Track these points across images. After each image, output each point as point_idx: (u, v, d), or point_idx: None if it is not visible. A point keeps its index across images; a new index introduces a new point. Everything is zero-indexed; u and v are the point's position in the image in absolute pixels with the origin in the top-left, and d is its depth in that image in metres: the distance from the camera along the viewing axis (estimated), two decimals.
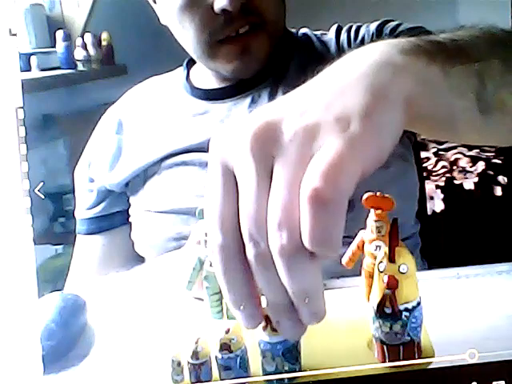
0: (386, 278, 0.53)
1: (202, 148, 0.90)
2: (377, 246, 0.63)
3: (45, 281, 0.74)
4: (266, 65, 0.90)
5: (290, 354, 0.56)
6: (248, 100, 0.92)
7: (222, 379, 0.56)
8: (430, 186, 1.14)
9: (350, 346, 0.60)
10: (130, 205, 0.98)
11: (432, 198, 1.11)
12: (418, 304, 0.55)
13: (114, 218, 1.01)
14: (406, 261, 0.55)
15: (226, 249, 0.45)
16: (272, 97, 0.90)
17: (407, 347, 0.55)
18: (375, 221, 0.63)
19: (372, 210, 0.63)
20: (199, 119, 0.93)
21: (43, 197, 0.72)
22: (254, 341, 0.56)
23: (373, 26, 0.93)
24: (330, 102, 0.45)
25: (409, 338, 0.55)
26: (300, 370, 0.56)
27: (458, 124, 0.54)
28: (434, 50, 0.52)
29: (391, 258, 0.54)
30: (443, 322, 0.63)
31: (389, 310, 0.53)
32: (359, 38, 0.93)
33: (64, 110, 1.26)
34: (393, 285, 0.53)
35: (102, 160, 0.99)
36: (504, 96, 0.55)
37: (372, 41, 0.56)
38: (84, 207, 1.01)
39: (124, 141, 0.98)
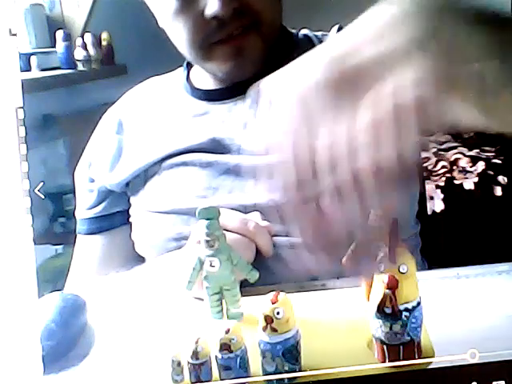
0: (386, 278, 0.53)
1: (203, 148, 0.90)
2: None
3: (45, 281, 0.74)
4: (266, 65, 0.90)
5: (290, 354, 0.56)
6: (248, 101, 0.91)
7: (222, 379, 0.56)
8: (430, 186, 1.14)
9: (349, 346, 0.60)
10: (130, 205, 0.98)
11: (432, 197, 1.11)
12: (418, 304, 0.55)
13: (114, 218, 1.00)
14: (406, 261, 0.55)
15: (301, 185, 0.44)
16: None
17: (407, 347, 0.55)
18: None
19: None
20: (199, 120, 0.93)
21: (43, 197, 0.72)
22: (254, 341, 0.56)
23: None
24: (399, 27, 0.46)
25: (409, 338, 0.55)
26: (300, 370, 0.56)
27: (489, 85, 0.54)
28: (467, 12, 0.53)
29: (391, 258, 0.54)
30: (443, 322, 0.63)
31: (389, 309, 0.54)
32: None
33: (64, 110, 1.26)
34: (393, 285, 0.53)
35: (102, 160, 0.99)
36: None
37: None
38: (84, 207, 1.01)
39: (124, 141, 0.98)
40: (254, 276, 0.68)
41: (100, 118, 1.03)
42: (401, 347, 0.56)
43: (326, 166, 0.42)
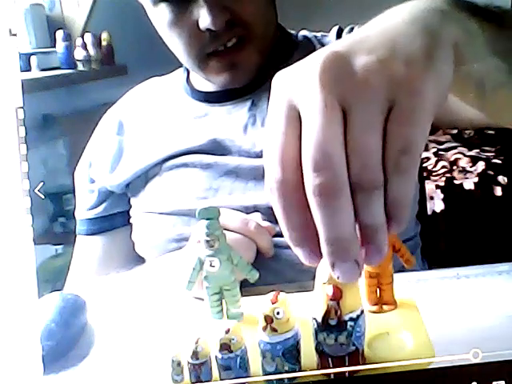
0: (330, 289, 0.52)
1: (203, 150, 0.90)
2: None
3: (44, 281, 0.74)
4: (266, 67, 0.90)
5: (290, 354, 0.56)
6: (248, 103, 0.92)
7: (221, 379, 0.56)
8: (430, 186, 1.14)
9: None
10: (130, 206, 0.98)
11: (432, 198, 1.11)
12: (362, 312, 0.54)
13: (114, 218, 1.01)
14: None
15: (285, 183, 0.44)
16: None
17: (352, 357, 0.54)
18: None
19: None
20: (200, 121, 0.94)
21: (43, 197, 0.72)
22: (254, 341, 0.56)
23: None
24: (394, 40, 0.45)
25: (354, 348, 0.54)
26: (300, 370, 0.56)
27: (488, 83, 0.55)
28: (472, 7, 0.54)
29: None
30: (444, 322, 0.63)
31: (334, 321, 0.52)
32: None
33: (64, 110, 1.26)
34: (337, 296, 0.52)
35: (102, 161, 0.99)
36: None
37: None
38: (85, 208, 1.01)
39: (125, 142, 0.98)
40: (254, 276, 0.68)
41: (100, 118, 1.04)
42: (346, 357, 0.54)
43: (311, 164, 0.42)
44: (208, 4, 0.82)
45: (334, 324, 0.52)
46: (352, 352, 0.54)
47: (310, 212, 0.43)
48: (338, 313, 0.52)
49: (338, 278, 0.44)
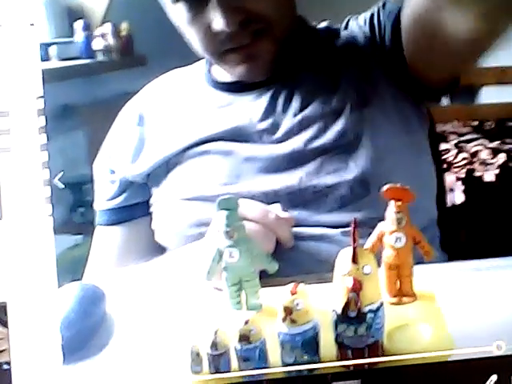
0: (349, 281, 0.52)
1: (224, 137, 0.91)
2: (397, 238, 0.63)
3: (64, 271, 0.75)
4: (286, 58, 0.90)
5: (309, 345, 0.56)
6: (270, 92, 0.92)
7: (241, 370, 0.56)
8: (450, 178, 1.13)
9: None
10: (150, 196, 0.98)
11: (452, 189, 1.10)
12: (381, 304, 0.55)
13: (134, 208, 1.01)
14: (369, 261, 0.54)
15: None
16: (294, 89, 0.90)
17: (372, 348, 0.55)
18: (396, 212, 0.63)
19: (392, 202, 0.63)
20: (223, 110, 0.94)
21: (63, 186, 0.72)
22: (273, 332, 0.56)
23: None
24: None
25: (373, 339, 0.55)
26: (319, 362, 0.56)
27: None
28: None
29: (354, 259, 0.53)
30: (464, 315, 0.63)
31: (354, 313, 0.53)
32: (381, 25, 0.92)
33: (83, 100, 1.26)
34: (357, 287, 0.52)
35: (123, 152, 0.99)
36: None
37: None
38: (105, 198, 1.01)
39: (146, 132, 0.98)
40: (273, 267, 0.68)
41: (119, 108, 1.04)
42: (365, 349, 0.55)
43: None
44: (220, 6, 0.82)
45: (353, 316, 0.53)
46: (371, 344, 0.55)
47: None
48: (358, 304, 0.52)
49: None
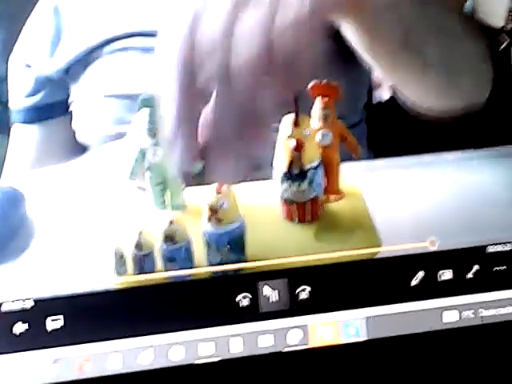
0: (293, 142, 0.57)
1: (145, 33, 0.87)
2: (323, 135, 0.62)
3: None
4: None
5: (236, 244, 0.56)
6: None
7: (166, 270, 0.56)
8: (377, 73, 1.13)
9: (298, 236, 0.60)
10: (69, 94, 0.95)
11: (379, 86, 1.10)
12: (320, 163, 0.60)
13: (53, 107, 0.98)
14: (308, 126, 0.59)
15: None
16: None
17: (313, 203, 0.60)
18: (322, 108, 0.62)
19: (319, 98, 0.62)
20: (141, 2, 0.90)
21: None
22: (199, 232, 0.56)
23: None
24: None
25: (314, 194, 0.60)
26: (245, 261, 0.56)
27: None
28: None
29: (296, 123, 0.58)
30: (392, 212, 0.63)
31: (297, 170, 0.58)
32: None
33: None
34: (300, 147, 0.57)
35: (39, 45, 0.95)
36: None
37: None
38: (22, 95, 0.98)
39: (63, 24, 0.94)
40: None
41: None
42: (308, 203, 0.60)
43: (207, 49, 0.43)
44: None
45: (296, 173, 0.58)
46: (313, 198, 0.60)
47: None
48: (300, 163, 0.58)
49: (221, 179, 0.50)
